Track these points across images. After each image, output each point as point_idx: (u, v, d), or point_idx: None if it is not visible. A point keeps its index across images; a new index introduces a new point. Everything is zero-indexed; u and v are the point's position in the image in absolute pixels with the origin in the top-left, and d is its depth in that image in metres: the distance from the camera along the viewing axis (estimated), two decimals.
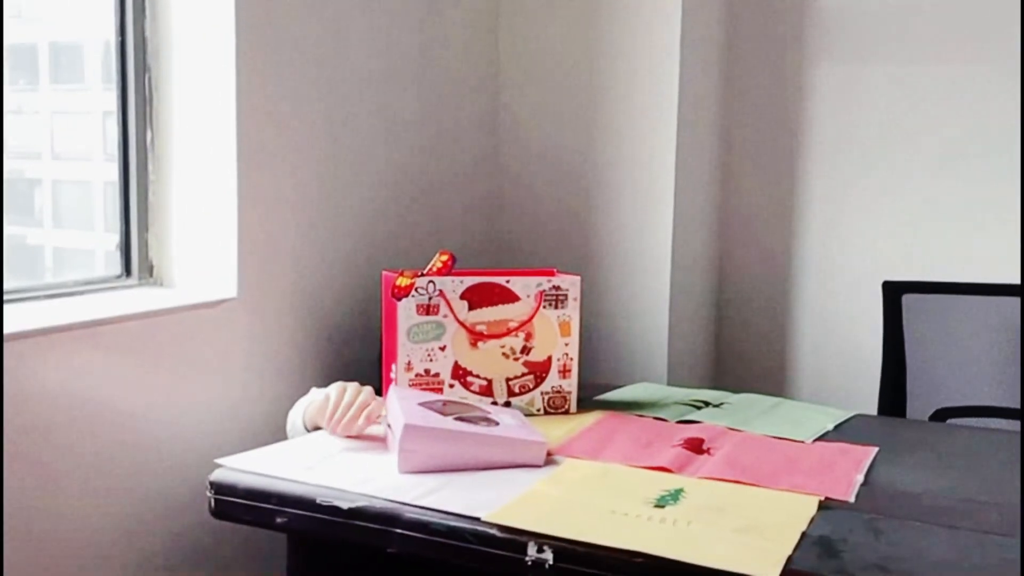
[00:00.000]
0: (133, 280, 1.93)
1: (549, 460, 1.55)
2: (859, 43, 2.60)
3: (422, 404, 1.61)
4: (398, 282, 1.77)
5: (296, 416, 1.77)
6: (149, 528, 1.79)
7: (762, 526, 1.28)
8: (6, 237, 1.68)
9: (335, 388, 1.68)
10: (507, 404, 1.81)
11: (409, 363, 1.77)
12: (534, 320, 1.83)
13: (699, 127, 2.59)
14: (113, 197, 1.93)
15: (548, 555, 1.23)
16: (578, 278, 1.87)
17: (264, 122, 1.92)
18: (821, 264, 2.70)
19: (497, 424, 1.59)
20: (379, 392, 1.94)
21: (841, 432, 1.78)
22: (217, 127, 1.88)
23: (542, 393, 1.85)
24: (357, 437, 1.65)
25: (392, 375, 1.78)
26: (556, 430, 1.71)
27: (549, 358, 1.85)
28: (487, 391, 1.81)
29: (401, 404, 1.58)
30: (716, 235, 2.78)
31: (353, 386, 1.68)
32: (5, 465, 1.52)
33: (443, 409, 1.62)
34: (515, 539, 1.26)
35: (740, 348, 2.82)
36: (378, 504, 1.36)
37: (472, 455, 1.50)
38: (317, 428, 1.71)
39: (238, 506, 1.44)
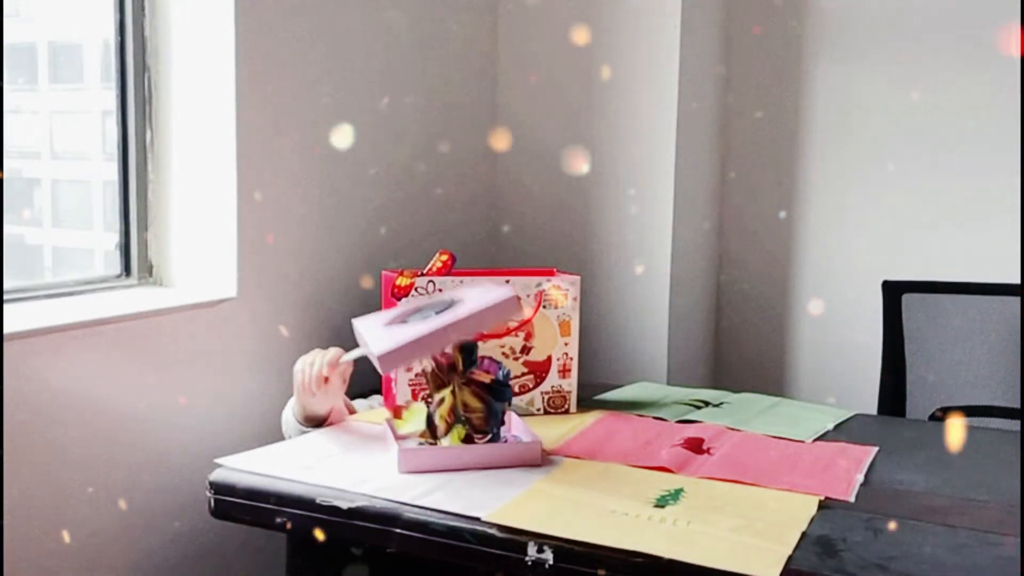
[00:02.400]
0: (132, 280, 1.93)
1: (549, 460, 1.55)
2: (859, 43, 2.60)
3: (389, 323, 1.59)
4: (398, 282, 1.76)
5: (287, 412, 1.78)
6: (149, 528, 1.79)
7: (762, 526, 1.28)
8: (5, 237, 1.68)
9: (301, 359, 1.69)
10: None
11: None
12: (534, 320, 1.83)
13: (699, 127, 2.59)
14: (112, 196, 1.93)
15: (548, 555, 1.23)
16: (578, 278, 1.87)
17: (264, 122, 1.92)
18: (821, 264, 2.70)
19: (461, 301, 1.57)
20: (377, 390, 1.94)
21: (841, 432, 1.77)
22: (217, 127, 1.88)
23: (542, 393, 1.85)
24: (357, 435, 1.65)
25: (392, 375, 1.78)
26: (556, 430, 1.71)
27: (549, 358, 1.85)
28: None
29: (368, 336, 1.56)
30: (716, 235, 2.78)
31: (316, 351, 1.68)
32: (5, 464, 1.52)
33: (410, 313, 1.60)
34: (515, 539, 1.26)
35: (740, 348, 2.82)
36: (378, 504, 1.36)
37: (470, 458, 1.50)
38: (307, 419, 1.71)
39: (238, 506, 1.44)
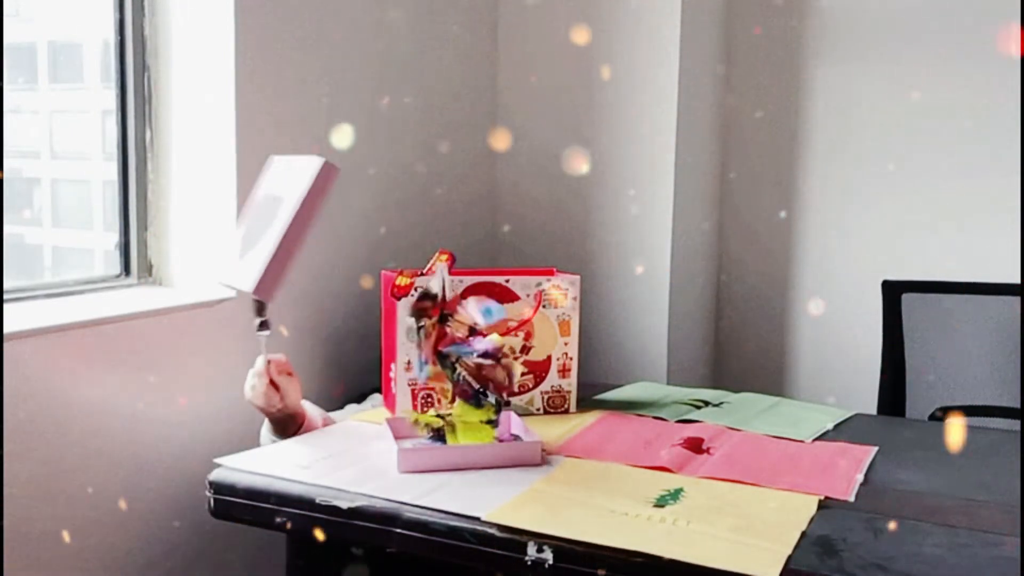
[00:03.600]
0: (132, 279, 1.93)
1: (549, 459, 1.55)
2: (859, 43, 2.60)
3: (242, 255, 1.61)
4: (398, 282, 1.76)
5: (264, 435, 1.77)
6: (149, 528, 1.79)
7: (762, 526, 1.28)
8: (6, 237, 1.68)
9: (245, 388, 1.68)
10: (507, 404, 1.80)
11: (409, 362, 1.77)
12: (533, 319, 1.83)
13: (699, 127, 2.59)
14: (112, 196, 1.93)
15: (548, 555, 1.23)
16: (578, 278, 1.87)
17: (264, 121, 1.92)
18: (821, 264, 2.70)
19: (281, 195, 1.59)
20: (377, 389, 1.94)
21: (841, 432, 1.77)
22: (216, 126, 1.87)
23: (541, 392, 1.85)
24: (356, 435, 1.65)
25: (392, 375, 1.78)
26: (556, 430, 1.71)
27: (548, 357, 1.85)
28: None
29: (236, 281, 1.60)
30: (716, 235, 2.78)
31: (248, 374, 1.67)
32: (5, 464, 1.52)
33: (254, 234, 1.63)
34: (515, 539, 1.26)
35: (740, 348, 2.82)
36: (378, 504, 1.36)
37: (470, 458, 1.50)
38: (282, 429, 1.71)
39: (238, 506, 1.44)
